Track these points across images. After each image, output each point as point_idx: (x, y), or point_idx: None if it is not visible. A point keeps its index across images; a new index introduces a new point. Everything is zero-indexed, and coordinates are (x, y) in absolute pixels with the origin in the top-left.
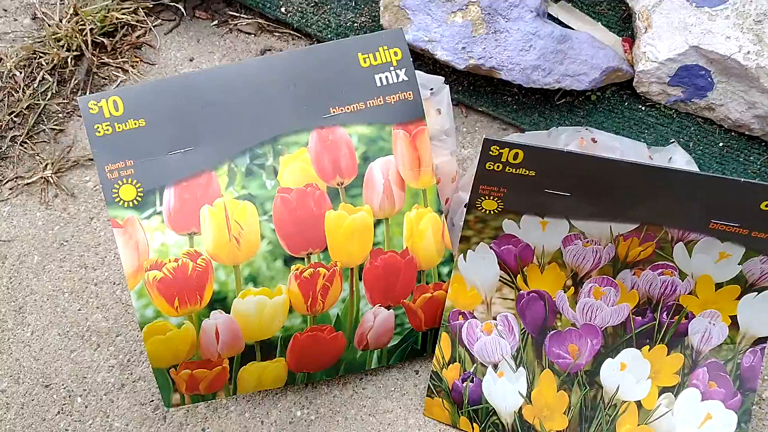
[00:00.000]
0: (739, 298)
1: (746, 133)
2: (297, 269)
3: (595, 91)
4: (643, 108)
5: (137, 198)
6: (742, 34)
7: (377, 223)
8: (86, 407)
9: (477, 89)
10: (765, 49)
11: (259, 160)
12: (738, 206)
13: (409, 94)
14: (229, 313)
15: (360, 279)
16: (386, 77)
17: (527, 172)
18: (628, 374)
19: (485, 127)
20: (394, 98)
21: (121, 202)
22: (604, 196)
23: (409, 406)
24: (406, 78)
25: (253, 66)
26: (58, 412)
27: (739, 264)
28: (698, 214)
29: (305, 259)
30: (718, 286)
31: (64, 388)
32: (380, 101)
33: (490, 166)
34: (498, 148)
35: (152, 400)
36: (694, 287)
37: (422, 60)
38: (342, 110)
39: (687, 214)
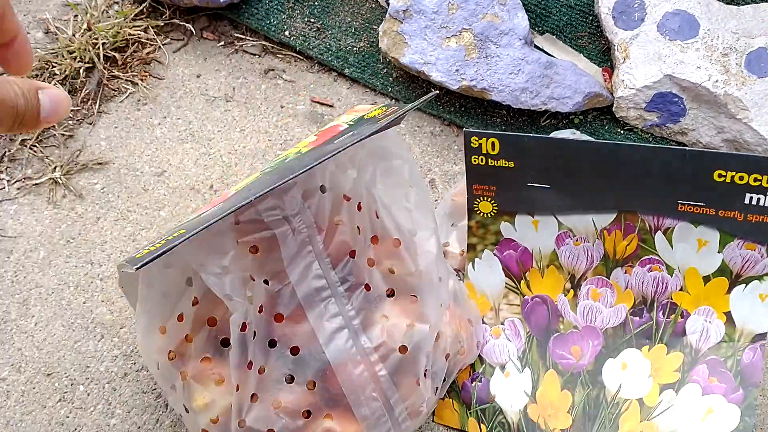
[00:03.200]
0: (729, 291)
1: None
2: None
3: (578, 115)
4: (622, 132)
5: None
6: (711, 65)
7: None
8: (88, 395)
9: (468, 110)
10: (731, 78)
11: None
12: (695, 180)
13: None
14: None
15: None
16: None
17: (507, 163)
18: (629, 373)
19: None
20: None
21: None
22: (578, 184)
23: None
24: None
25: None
26: (60, 400)
27: (719, 252)
28: (665, 195)
29: None
30: (706, 279)
31: (66, 377)
32: None
33: (475, 160)
34: (477, 138)
35: (154, 389)
36: (684, 283)
37: (416, 82)
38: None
39: (655, 196)
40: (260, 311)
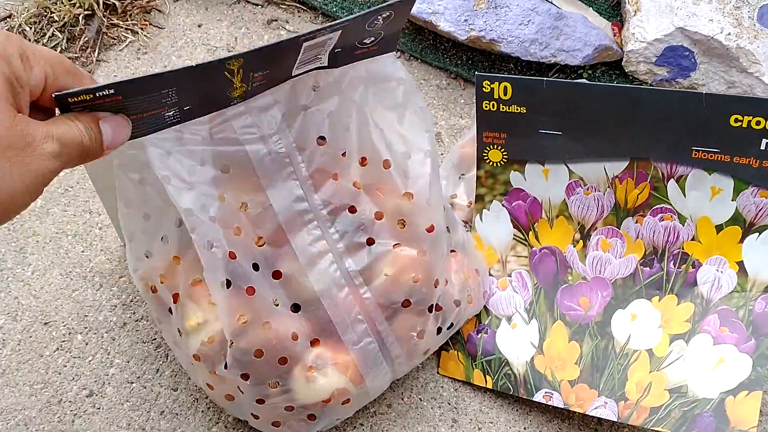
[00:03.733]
0: (741, 240)
1: None
2: None
3: (586, 69)
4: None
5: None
6: (723, 18)
7: None
8: (86, 344)
9: (475, 63)
10: (744, 31)
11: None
12: (710, 126)
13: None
14: None
15: None
16: None
17: (518, 108)
18: (638, 324)
19: None
20: None
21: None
22: (591, 130)
23: None
24: None
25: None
26: (57, 349)
27: (732, 201)
28: (679, 141)
29: None
30: (719, 228)
31: (64, 326)
32: None
33: (486, 105)
34: (489, 83)
35: (154, 339)
36: (696, 232)
37: (423, 34)
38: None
39: (669, 141)
40: (238, 234)
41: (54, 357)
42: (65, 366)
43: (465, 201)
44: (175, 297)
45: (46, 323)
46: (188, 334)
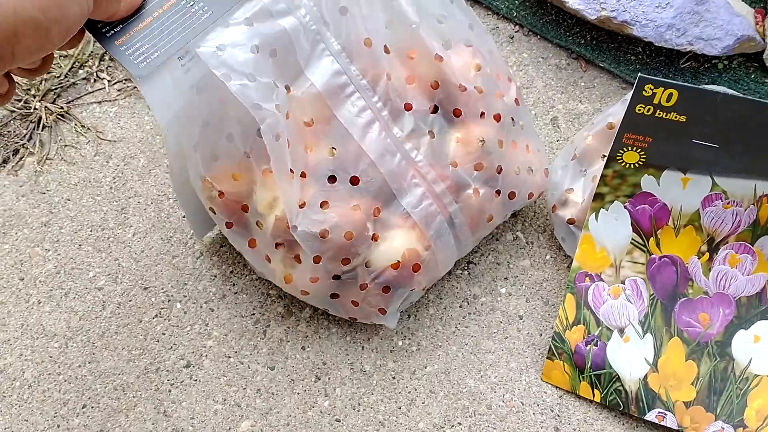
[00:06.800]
0: None
1: None
2: None
3: (722, 59)
4: None
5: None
6: None
7: None
8: (185, 313)
9: (600, 44)
10: None
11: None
12: None
13: None
14: None
15: None
16: None
17: (677, 117)
18: (761, 347)
19: (604, 84)
20: None
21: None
22: (753, 148)
23: (511, 349)
24: None
25: None
26: (156, 316)
27: None
28: None
29: None
30: None
31: (164, 293)
32: None
33: (640, 109)
34: (652, 87)
35: (253, 314)
36: None
37: (545, 8)
38: None
39: None
40: (287, 117)
41: (153, 324)
42: (164, 334)
43: (580, 198)
44: (250, 191)
45: (145, 288)
46: (266, 219)
